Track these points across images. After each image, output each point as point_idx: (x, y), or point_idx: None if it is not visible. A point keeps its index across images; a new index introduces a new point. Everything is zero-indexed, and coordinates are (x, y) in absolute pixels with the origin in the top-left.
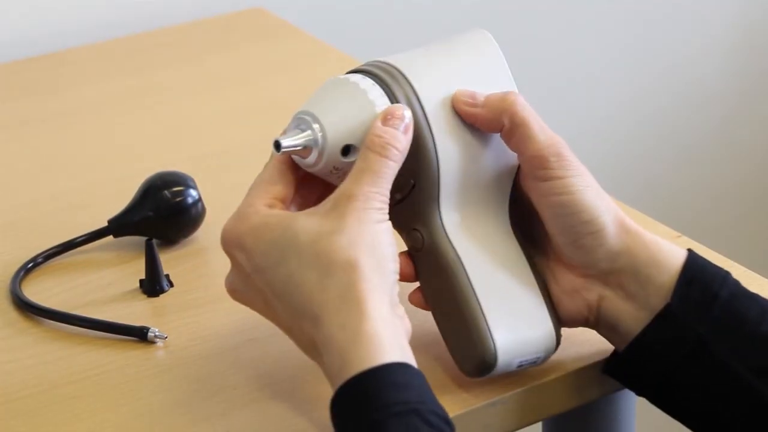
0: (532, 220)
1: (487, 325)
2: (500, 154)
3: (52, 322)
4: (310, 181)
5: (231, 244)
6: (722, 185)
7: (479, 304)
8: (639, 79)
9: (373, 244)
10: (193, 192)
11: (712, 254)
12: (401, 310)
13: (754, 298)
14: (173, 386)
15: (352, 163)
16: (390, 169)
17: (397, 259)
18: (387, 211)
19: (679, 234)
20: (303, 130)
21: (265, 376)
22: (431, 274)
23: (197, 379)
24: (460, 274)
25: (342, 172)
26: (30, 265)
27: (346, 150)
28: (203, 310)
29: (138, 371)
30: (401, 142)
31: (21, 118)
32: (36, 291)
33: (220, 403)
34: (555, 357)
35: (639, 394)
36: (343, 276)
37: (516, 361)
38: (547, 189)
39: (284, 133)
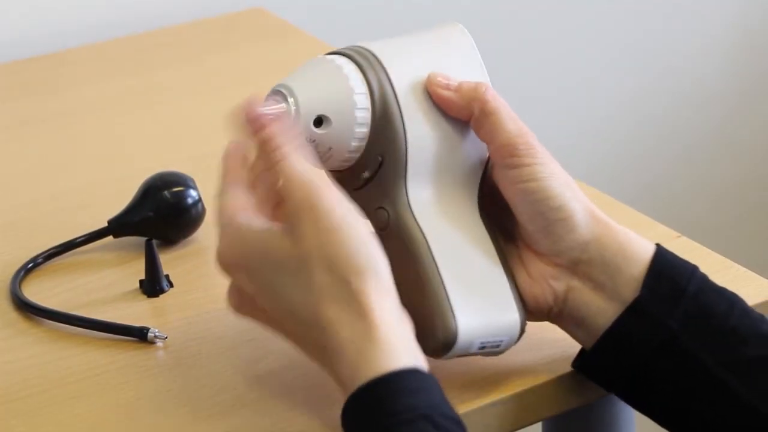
0: (502, 212)
1: (449, 301)
2: (471, 142)
3: (52, 322)
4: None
5: (229, 269)
6: (722, 186)
7: (442, 280)
8: (639, 79)
9: (358, 249)
10: (193, 192)
11: (712, 254)
12: (404, 312)
13: (722, 292)
14: (173, 386)
15: (324, 135)
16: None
17: (384, 257)
18: (348, 202)
19: (679, 234)
20: (277, 102)
21: (265, 376)
22: (396, 253)
23: (197, 379)
24: (423, 250)
25: (315, 145)
26: (30, 265)
27: (319, 121)
28: (203, 311)
29: (138, 371)
30: (276, 132)
31: (21, 118)
32: (36, 291)
33: (220, 403)
34: (555, 358)
35: (609, 389)
36: (342, 290)
37: (477, 342)
38: (515, 176)
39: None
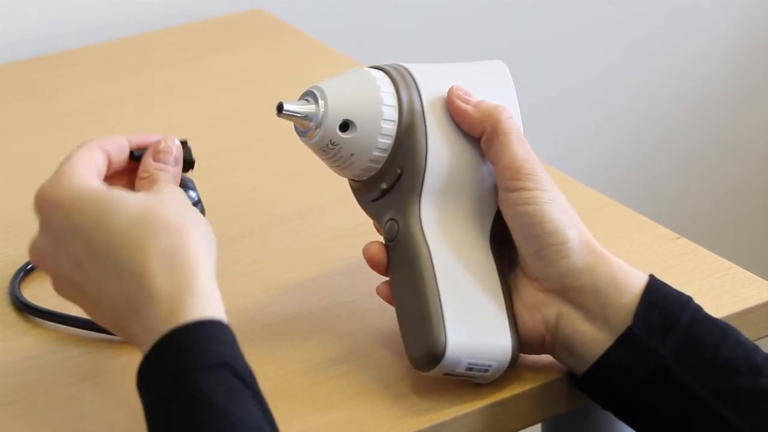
0: (504, 238)
1: (442, 316)
2: (491, 170)
3: (51, 323)
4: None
5: (47, 205)
6: (722, 187)
7: (439, 296)
8: (639, 80)
9: (196, 219)
10: (192, 193)
11: (712, 256)
12: (215, 282)
13: (715, 322)
14: None
15: (348, 140)
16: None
17: (216, 244)
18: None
19: (678, 236)
20: (308, 102)
21: (263, 377)
22: (400, 264)
23: None
24: (426, 265)
25: (338, 149)
26: (29, 266)
27: (345, 126)
28: None
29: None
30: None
31: (21, 119)
32: (35, 292)
33: None
34: (555, 359)
35: (604, 408)
36: (172, 237)
37: (465, 361)
38: (515, 199)
39: None
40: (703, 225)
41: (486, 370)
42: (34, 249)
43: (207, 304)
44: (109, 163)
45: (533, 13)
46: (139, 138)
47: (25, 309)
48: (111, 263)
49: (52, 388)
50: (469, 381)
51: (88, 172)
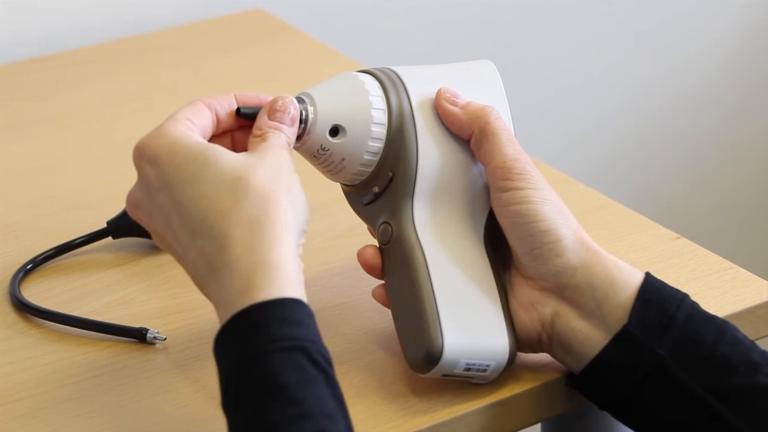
0: (498, 238)
1: (438, 319)
2: (483, 170)
3: (51, 323)
4: (226, 139)
5: (144, 157)
6: (722, 187)
7: (435, 298)
8: (639, 80)
9: (290, 185)
10: None
11: (711, 256)
12: (301, 263)
13: (712, 319)
14: (172, 388)
15: (338, 145)
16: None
17: (308, 211)
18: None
19: (678, 236)
20: (296, 109)
21: None
22: (395, 267)
23: (196, 380)
24: (421, 267)
25: (329, 154)
26: (29, 266)
27: (335, 131)
28: (202, 312)
29: (137, 373)
30: (289, 130)
31: (21, 120)
32: (35, 292)
33: (219, 404)
34: (554, 359)
35: (601, 408)
36: (259, 203)
37: (463, 362)
38: (506, 199)
39: None
40: (703, 225)
41: (484, 370)
42: (130, 197)
43: (285, 279)
44: (218, 122)
45: (533, 13)
46: (245, 95)
47: (25, 309)
48: (197, 223)
49: (52, 388)
50: (468, 381)
51: (188, 126)
